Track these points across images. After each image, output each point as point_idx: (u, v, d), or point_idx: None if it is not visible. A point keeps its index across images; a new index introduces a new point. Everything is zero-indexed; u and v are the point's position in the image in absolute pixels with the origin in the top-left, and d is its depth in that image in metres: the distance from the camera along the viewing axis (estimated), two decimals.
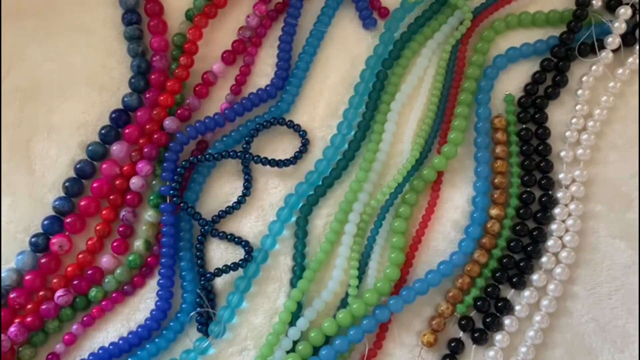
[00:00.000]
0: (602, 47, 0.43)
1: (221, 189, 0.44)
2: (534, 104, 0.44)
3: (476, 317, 0.41)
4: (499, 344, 0.40)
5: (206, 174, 0.44)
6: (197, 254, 0.42)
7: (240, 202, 0.43)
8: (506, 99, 0.43)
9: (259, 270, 0.42)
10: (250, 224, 0.43)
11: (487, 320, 0.40)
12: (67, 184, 0.42)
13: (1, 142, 0.43)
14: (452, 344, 0.40)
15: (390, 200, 0.42)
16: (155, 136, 0.42)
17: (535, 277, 0.41)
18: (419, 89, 0.44)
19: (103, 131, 0.43)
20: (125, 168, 0.42)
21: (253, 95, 0.44)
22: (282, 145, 0.45)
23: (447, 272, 0.40)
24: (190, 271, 0.42)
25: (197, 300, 0.41)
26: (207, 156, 0.42)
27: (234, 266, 0.41)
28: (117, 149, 0.43)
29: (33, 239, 0.41)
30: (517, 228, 0.42)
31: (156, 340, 0.41)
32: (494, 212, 0.42)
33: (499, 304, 0.41)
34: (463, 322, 0.40)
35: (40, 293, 0.41)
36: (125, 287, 0.42)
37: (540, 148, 0.43)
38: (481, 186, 0.42)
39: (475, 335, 0.40)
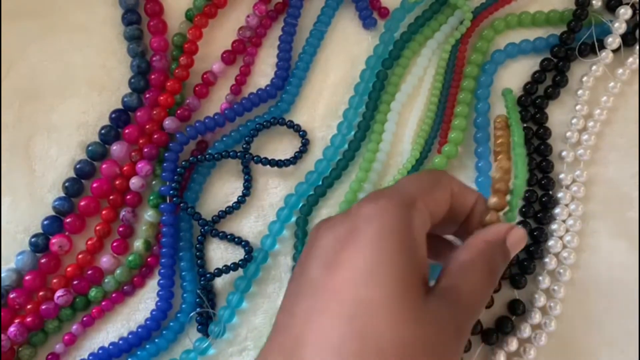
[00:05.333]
0: (602, 47, 0.43)
1: (221, 189, 0.44)
2: (534, 104, 0.44)
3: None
4: (508, 347, 0.40)
5: (206, 174, 0.44)
6: (197, 254, 0.42)
7: (240, 202, 0.43)
8: (504, 92, 0.43)
9: (259, 270, 0.42)
10: (250, 224, 0.43)
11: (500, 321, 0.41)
12: (66, 184, 0.42)
13: (1, 142, 0.43)
14: None
15: None
16: (155, 136, 0.42)
17: (540, 278, 0.41)
18: (419, 88, 0.44)
19: (103, 131, 0.43)
20: (125, 168, 0.42)
21: (253, 96, 0.44)
22: (282, 145, 0.45)
23: None
24: (190, 271, 0.42)
25: (197, 300, 0.41)
26: (207, 156, 0.42)
27: (234, 266, 0.41)
28: (117, 149, 0.43)
29: (33, 239, 0.41)
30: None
31: (156, 340, 0.41)
32: None
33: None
34: None
35: (40, 293, 0.41)
36: (125, 288, 0.42)
37: (541, 148, 0.43)
38: (483, 182, 0.42)
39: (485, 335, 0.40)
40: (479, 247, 0.29)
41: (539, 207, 0.42)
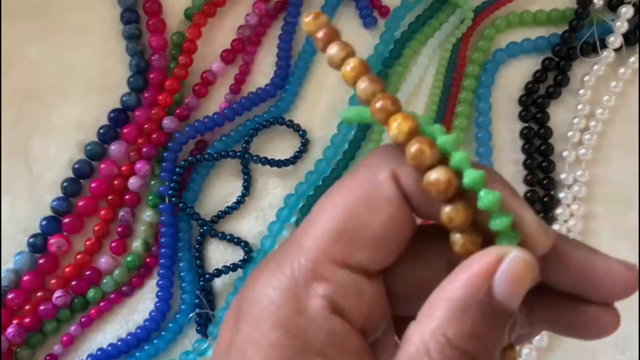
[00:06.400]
0: (604, 46, 0.43)
1: (220, 189, 0.44)
2: (535, 103, 0.43)
3: None
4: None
5: (205, 174, 0.43)
6: (196, 254, 0.42)
7: (240, 202, 0.43)
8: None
9: None
10: (250, 225, 0.43)
11: None
12: (65, 184, 0.42)
13: (1, 142, 0.43)
14: None
15: None
16: (154, 136, 0.42)
17: None
18: (419, 88, 0.44)
19: (101, 131, 0.43)
20: (123, 168, 0.42)
21: (253, 95, 0.44)
22: (282, 145, 0.44)
23: None
24: (190, 272, 0.42)
25: (196, 301, 0.41)
26: (206, 156, 0.42)
27: (234, 267, 0.41)
28: (115, 148, 0.42)
29: (31, 240, 0.41)
30: None
31: (155, 341, 0.41)
32: None
33: None
34: None
35: (39, 294, 0.41)
36: (123, 288, 0.42)
37: (542, 148, 0.43)
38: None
39: None
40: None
41: (540, 208, 0.42)
